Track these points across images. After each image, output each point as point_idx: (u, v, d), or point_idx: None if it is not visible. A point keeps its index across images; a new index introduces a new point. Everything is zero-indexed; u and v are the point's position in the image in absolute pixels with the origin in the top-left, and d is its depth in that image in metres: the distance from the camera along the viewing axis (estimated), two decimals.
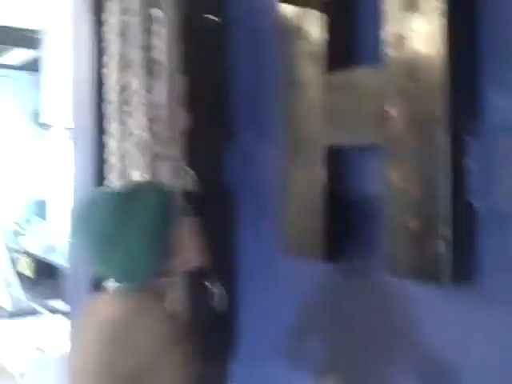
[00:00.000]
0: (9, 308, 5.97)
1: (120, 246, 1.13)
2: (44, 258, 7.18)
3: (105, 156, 1.68)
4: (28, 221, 7.73)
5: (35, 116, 7.57)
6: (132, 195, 1.17)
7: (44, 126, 7.03)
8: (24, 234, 7.65)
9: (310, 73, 1.45)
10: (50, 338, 4.38)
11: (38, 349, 4.64)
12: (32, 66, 7.36)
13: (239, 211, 1.82)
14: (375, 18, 1.30)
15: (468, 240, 1.18)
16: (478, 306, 1.19)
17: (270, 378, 1.70)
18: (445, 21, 1.15)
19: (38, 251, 7.40)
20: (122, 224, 1.13)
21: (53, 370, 3.18)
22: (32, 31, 5.92)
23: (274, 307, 1.71)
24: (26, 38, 6.13)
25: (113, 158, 1.63)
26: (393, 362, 1.36)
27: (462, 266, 1.18)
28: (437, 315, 1.25)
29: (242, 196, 1.81)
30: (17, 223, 7.82)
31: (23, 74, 7.89)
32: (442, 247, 1.16)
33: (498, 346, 1.15)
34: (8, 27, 5.69)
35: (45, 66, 6.58)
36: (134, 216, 1.13)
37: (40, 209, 7.62)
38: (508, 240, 1.13)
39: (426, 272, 1.21)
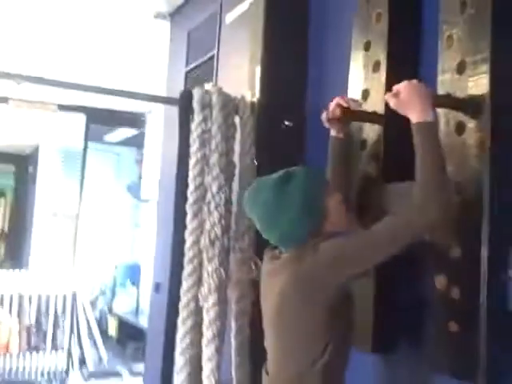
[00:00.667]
0: (90, 368, 6.23)
1: (282, 218, 1.42)
2: (131, 320, 7.52)
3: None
4: (122, 284, 8.16)
5: (133, 188, 8.16)
6: (287, 177, 1.45)
7: (143, 199, 7.54)
8: (114, 297, 8.08)
9: None
10: None
11: None
12: (134, 142, 8.03)
13: None
14: None
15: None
16: None
17: None
18: None
19: (126, 313, 7.78)
20: (282, 200, 1.42)
21: None
22: (136, 113, 6.51)
23: None
24: (130, 119, 6.70)
25: (189, 253, 1.89)
26: None
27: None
28: None
29: None
30: (107, 285, 8.27)
31: (125, 150, 8.59)
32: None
33: None
34: (113, 110, 6.22)
35: (146, 144, 7.16)
36: (291, 192, 1.42)
37: (135, 273, 8.03)
38: None
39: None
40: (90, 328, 6.82)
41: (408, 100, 1.34)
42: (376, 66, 1.66)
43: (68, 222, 7.83)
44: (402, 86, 1.36)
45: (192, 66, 3.13)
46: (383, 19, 1.65)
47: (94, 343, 6.76)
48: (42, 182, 8.05)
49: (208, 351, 1.87)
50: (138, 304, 7.56)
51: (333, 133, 1.69)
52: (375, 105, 1.64)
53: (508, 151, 1.32)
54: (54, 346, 6.38)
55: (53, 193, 7.92)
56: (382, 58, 1.63)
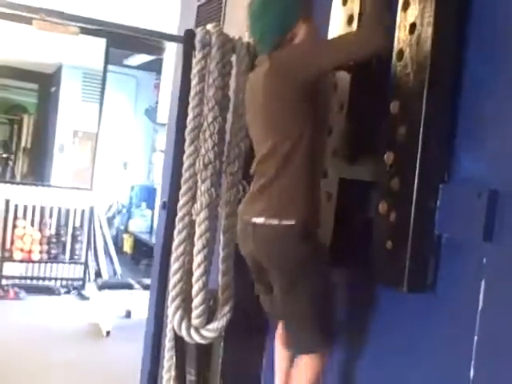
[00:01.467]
0: (106, 279, 6.68)
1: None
2: (145, 239, 7.98)
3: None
4: (137, 205, 8.56)
5: (150, 112, 8.40)
6: None
7: (159, 123, 7.79)
8: (130, 216, 8.51)
9: None
10: (138, 307, 5.03)
11: (125, 314, 5.37)
12: (153, 67, 8.20)
13: None
14: None
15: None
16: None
17: None
18: None
19: (141, 232, 8.22)
20: None
21: (136, 331, 3.82)
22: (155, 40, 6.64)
23: None
24: (149, 46, 6.83)
25: (186, 174, 2.18)
26: None
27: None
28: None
29: None
30: (124, 205, 8.67)
31: (144, 74, 8.76)
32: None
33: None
34: (133, 36, 6.33)
35: (164, 70, 7.34)
36: None
37: (150, 195, 8.40)
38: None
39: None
40: (106, 243, 7.24)
41: None
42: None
43: (88, 140, 8.15)
44: None
45: (204, 0, 3.31)
46: None
47: (110, 258, 7.22)
48: (64, 101, 8.30)
49: (198, 259, 2.18)
50: (152, 224, 7.98)
51: None
52: None
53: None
54: (72, 258, 6.85)
55: (74, 112, 8.18)
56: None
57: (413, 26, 1.61)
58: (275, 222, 1.70)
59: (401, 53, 1.64)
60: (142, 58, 8.09)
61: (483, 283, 1.45)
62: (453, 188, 1.54)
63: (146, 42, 6.38)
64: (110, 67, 7.54)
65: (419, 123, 1.54)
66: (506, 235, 1.42)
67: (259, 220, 1.74)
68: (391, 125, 1.64)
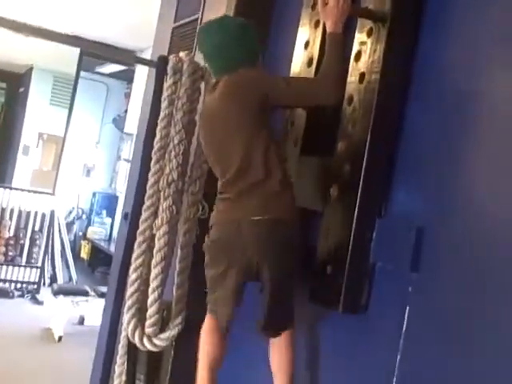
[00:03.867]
0: (61, 284, 6.66)
1: (244, 38, 1.92)
2: (103, 246, 7.98)
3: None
4: (97, 212, 8.55)
5: (118, 121, 8.46)
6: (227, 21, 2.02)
7: (126, 132, 7.85)
8: (90, 223, 8.50)
9: None
10: (92, 314, 5.08)
11: (79, 321, 5.40)
12: (125, 76, 8.27)
13: None
14: None
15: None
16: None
17: None
18: None
19: (99, 240, 8.22)
20: (242, 27, 1.95)
21: (88, 338, 3.89)
22: (128, 50, 6.74)
23: None
24: (121, 56, 6.89)
25: (150, 190, 2.33)
26: None
27: None
28: None
29: None
30: (84, 211, 8.66)
31: (116, 82, 8.82)
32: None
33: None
34: (106, 44, 6.43)
35: (135, 81, 7.42)
36: (245, 24, 1.96)
37: (112, 204, 8.41)
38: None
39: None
40: (63, 248, 7.22)
41: (329, 11, 1.82)
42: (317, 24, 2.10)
43: (53, 144, 8.15)
44: None
45: (179, 23, 3.47)
46: None
47: (66, 263, 7.21)
48: (32, 103, 8.29)
49: (155, 271, 2.32)
50: (112, 232, 8.00)
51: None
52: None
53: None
54: (29, 261, 6.82)
55: (41, 114, 8.17)
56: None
57: (362, 76, 1.81)
58: (272, 216, 1.83)
59: (351, 98, 1.84)
60: (115, 67, 8.15)
61: (408, 309, 1.64)
62: (387, 222, 1.74)
63: (120, 52, 6.47)
64: (81, 73, 7.60)
65: (361, 163, 1.73)
66: (430, 268, 1.61)
67: (257, 217, 1.83)
68: (337, 162, 1.83)
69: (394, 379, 1.64)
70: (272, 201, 1.85)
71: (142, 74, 6.50)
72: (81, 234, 8.50)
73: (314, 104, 1.89)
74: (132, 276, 2.38)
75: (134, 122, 6.33)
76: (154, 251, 2.33)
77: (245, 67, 1.90)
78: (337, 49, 1.80)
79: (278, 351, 1.91)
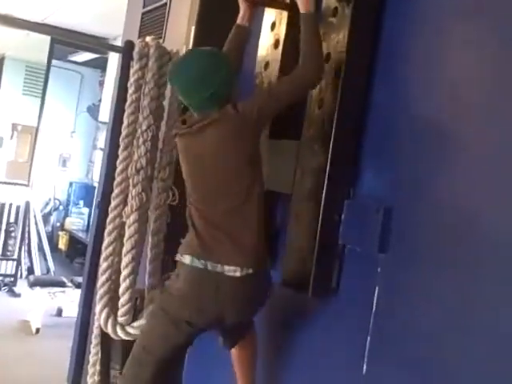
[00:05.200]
0: (38, 276, 6.60)
1: (215, 78, 1.77)
2: (80, 237, 7.92)
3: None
4: (75, 203, 8.47)
5: (93, 110, 8.36)
6: (211, 50, 1.85)
7: (101, 121, 7.76)
8: (67, 214, 8.42)
9: None
10: (70, 305, 5.04)
11: (57, 312, 5.36)
12: (99, 64, 8.16)
13: None
14: None
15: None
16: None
17: None
18: None
19: (76, 230, 8.15)
20: (215, 64, 1.81)
21: (66, 329, 3.86)
22: (100, 38, 6.64)
23: None
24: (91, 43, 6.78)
25: (118, 178, 2.29)
26: None
27: None
28: None
29: None
30: (61, 202, 8.58)
31: (90, 71, 8.70)
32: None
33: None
34: (79, 33, 6.32)
35: (108, 69, 7.33)
36: (220, 58, 1.83)
37: (89, 194, 8.33)
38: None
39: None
40: (40, 240, 7.13)
41: None
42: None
43: (27, 134, 8.02)
44: None
45: (148, 8, 3.42)
46: None
47: (44, 255, 7.12)
48: (4, 93, 8.14)
49: (126, 259, 2.29)
50: (89, 223, 7.92)
51: (239, 20, 1.97)
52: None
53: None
54: (5, 254, 6.73)
55: (14, 105, 8.03)
56: None
57: (328, 56, 1.80)
58: (250, 271, 1.73)
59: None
60: (88, 55, 8.03)
61: (377, 290, 1.64)
62: (355, 204, 1.73)
63: (92, 40, 6.37)
64: (54, 62, 7.47)
65: (328, 145, 1.72)
66: (398, 248, 1.61)
67: (236, 273, 1.73)
68: (305, 144, 1.82)
69: (365, 359, 1.65)
70: (250, 254, 1.76)
71: (115, 61, 6.43)
72: (58, 224, 8.43)
73: (307, 89, 1.83)
74: (103, 265, 2.35)
75: (108, 111, 6.27)
76: (125, 239, 2.30)
77: (226, 100, 1.79)
78: (311, 27, 1.76)
79: (238, 348, 1.94)
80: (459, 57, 1.57)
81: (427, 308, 1.52)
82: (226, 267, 1.73)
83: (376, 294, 1.64)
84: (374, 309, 1.64)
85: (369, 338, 1.65)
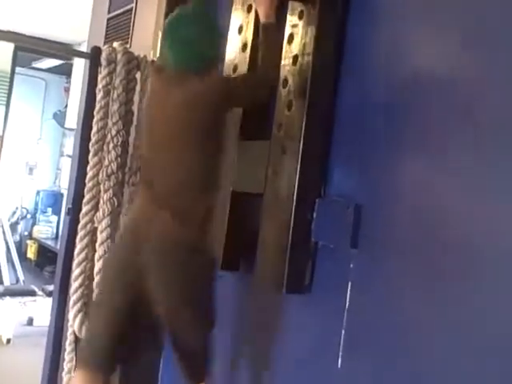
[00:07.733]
0: (8, 285, 6.49)
1: (210, 40, 1.84)
2: (50, 245, 7.81)
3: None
4: (42, 211, 8.35)
5: (59, 116, 8.26)
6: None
7: (67, 127, 7.67)
8: (35, 222, 8.30)
9: None
10: (41, 314, 4.97)
11: (27, 322, 5.28)
12: (63, 70, 8.07)
13: None
14: None
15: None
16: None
17: None
18: None
19: (45, 238, 8.04)
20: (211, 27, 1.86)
21: (38, 339, 3.80)
22: (65, 44, 6.58)
23: None
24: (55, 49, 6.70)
25: (90, 183, 2.29)
26: None
27: None
28: None
29: None
30: (29, 210, 8.44)
31: (54, 77, 8.60)
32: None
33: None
34: (43, 39, 6.24)
35: (74, 75, 7.26)
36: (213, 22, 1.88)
37: (57, 201, 8.22)
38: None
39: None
40: (8, 249, 7.02)
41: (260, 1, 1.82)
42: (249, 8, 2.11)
43: None
44: None
45: (113, 14, 3.41)
46: None
47: (12, 264, 7.01)
48: None
49: (99, 265, 2.29)
50: (58, 230, 7.82)
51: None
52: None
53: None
54: None
55: None
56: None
57: (295, 58, 1.82)
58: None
59: (285, 81, 1.85)
60: (52, 62, 7.94)
61: (349, 285, 1.68)
62: (327, 202, 1.76)
63: (56, 46, 6.30)
64: (18, 69, 7.37)
65: (298, 145, 1.75)
66: (369, 243, 1.65)
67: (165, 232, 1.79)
68: (275, 145, 1.84)
69: (340, 354, 1.68)
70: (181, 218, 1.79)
71: (81, 67, 6.37)
72: (26, 233, 8.29)
73: (264, 97, 1.87)
74: (76, 271, 2.34)
75: (74, 117, 6.19)
76: (97, 244, 2.30)
77: (210, 67, 1.84)
78: (268, 36, 1.80)
79: None
80: (419, 53, 1.61)
81: (399, 302, 1.56)
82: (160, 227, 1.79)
83: (349, 290, 1.67)
84: (347, 304, 1.68)
85: (343, 332, 1.68)
